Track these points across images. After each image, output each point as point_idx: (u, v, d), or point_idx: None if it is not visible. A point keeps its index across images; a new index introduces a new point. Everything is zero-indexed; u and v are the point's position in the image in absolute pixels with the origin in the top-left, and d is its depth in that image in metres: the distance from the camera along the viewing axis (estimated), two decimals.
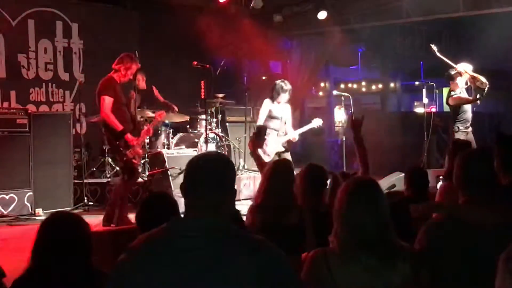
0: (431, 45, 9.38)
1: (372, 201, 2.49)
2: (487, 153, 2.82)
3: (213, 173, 2.15)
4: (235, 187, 2.24)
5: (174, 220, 2.14)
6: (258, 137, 4.93)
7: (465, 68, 9.00)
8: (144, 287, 1.98)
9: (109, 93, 7.10)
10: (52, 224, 2.72)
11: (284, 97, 8.26)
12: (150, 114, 9.45)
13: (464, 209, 2.68)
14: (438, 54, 9.27)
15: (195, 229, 2.03)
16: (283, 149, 8.31)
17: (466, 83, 9.08)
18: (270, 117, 8.26)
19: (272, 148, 8.18)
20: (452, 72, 9.08)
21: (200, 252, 1.98)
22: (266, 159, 7.74)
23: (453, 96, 9.07)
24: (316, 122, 8.65)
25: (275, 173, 4.04)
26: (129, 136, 7.13)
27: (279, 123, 8.32)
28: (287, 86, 8.29)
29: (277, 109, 8.28)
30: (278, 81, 8.42)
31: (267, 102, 8.32)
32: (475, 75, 8.90)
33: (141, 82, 9.79)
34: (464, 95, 9.12)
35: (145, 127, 7.52)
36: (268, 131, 8.01)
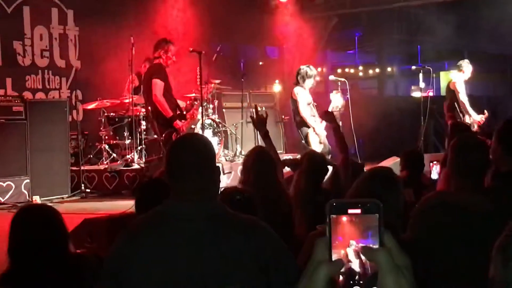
0: None
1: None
2: (480, 141, 2.81)
3: (198, 155, 2.16)
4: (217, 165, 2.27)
5: (168, 203, 2.15)
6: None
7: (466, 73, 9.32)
8: (144, 269, 2.02)
9: (161, 77, 7.03)
10: (22, 220, 2.71)
11: (310, 82, 8.06)
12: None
13: (456, 196, 2.68)
14: None
15: (191, 213, 2.06)
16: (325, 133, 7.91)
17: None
18: (308, 104, 7.94)
19: (324, 136, 7.88)
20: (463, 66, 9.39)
21: (198, 235, 2.02)
22: (320, 148, 7.55)
23: (457, 85, 9.17)
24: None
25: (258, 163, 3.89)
26: (178, 122, 7.14)
27: (315, 110, 8.03)
28: (312, 71, 8.09)
29: (308, 95, 8.03)
30: (303, 66, 8.16)
31: (300, 90, 7.97)
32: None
33: (144, 69, 9.78)
34: (462, 89, 9.26)
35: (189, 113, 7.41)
36: (314, 119, 7.82)
